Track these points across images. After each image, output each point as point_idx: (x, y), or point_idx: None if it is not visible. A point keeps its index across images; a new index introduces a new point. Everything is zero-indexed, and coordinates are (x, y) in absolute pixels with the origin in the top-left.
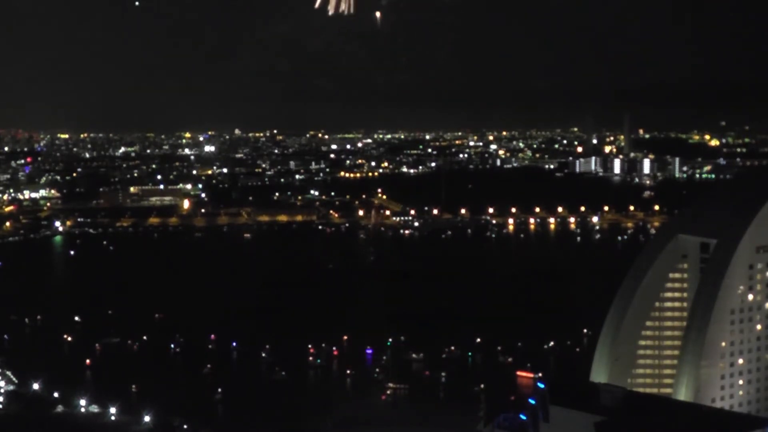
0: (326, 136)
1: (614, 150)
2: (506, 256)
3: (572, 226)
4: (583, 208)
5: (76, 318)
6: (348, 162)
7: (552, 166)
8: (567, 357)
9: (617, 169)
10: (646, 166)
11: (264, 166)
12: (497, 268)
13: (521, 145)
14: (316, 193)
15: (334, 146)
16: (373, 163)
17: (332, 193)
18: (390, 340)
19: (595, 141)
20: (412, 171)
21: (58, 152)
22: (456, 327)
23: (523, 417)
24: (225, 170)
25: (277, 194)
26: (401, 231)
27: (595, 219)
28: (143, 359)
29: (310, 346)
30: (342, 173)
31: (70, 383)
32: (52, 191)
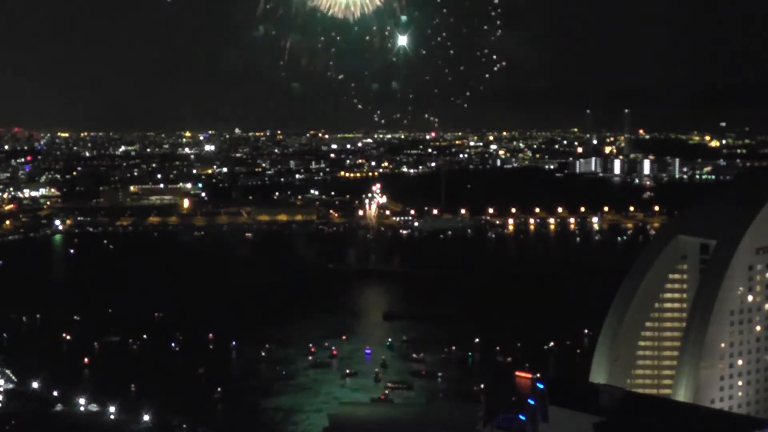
0: (326, 136)
1: (614, 151)
2: (506, 257)
3: (572, 226)
4: (583, 209)
5: (76, 317)
6: (348, 162)
7: (552, 167)
8: (566, 357)
9: (617, 170)
10: (646, 166)
11: (264, 165)
12: (497, 268)
13: (521, 145)
14: (316, 193)
15: (334, 146)
16: (373, 163)
17: (332, 193)
18: (390, 340)
19: (595, 141)
20: (412, 171)
21: (58, 151)
22: (456, 327)
23: (522, 417)
24: (225, 169)
25: (277, 193)
26: (401, 231)
27: (595, 220)
28: (142, 358)
29: (310, 345)
30: (342, 173)
31: (70, 382)
32: (52, 190)
